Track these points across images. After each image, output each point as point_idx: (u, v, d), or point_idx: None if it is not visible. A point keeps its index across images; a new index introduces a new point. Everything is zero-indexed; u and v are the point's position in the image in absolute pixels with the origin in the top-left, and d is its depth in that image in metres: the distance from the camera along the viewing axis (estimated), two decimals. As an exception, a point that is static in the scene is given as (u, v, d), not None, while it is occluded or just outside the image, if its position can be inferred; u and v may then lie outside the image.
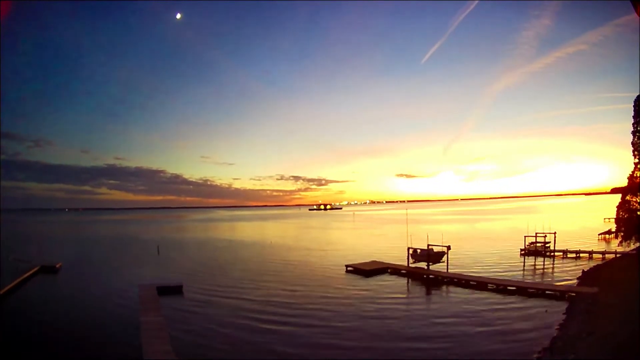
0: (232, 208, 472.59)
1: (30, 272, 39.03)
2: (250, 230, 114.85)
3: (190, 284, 33.47)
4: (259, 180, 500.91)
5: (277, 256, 51.88)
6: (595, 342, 16.39)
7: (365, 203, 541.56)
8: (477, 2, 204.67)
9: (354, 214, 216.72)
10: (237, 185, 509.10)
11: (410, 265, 38.07)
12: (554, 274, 35.65)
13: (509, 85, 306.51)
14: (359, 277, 36.44)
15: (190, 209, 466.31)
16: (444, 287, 31.66)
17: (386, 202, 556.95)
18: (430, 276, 34.72)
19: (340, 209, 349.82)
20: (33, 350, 19.19)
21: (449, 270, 35.42)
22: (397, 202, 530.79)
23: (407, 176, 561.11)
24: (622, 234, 36.53)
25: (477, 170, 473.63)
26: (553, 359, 16.18)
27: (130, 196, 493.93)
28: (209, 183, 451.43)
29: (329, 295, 29.72)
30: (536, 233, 46.53)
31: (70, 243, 78.18)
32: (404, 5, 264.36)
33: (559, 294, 27.05)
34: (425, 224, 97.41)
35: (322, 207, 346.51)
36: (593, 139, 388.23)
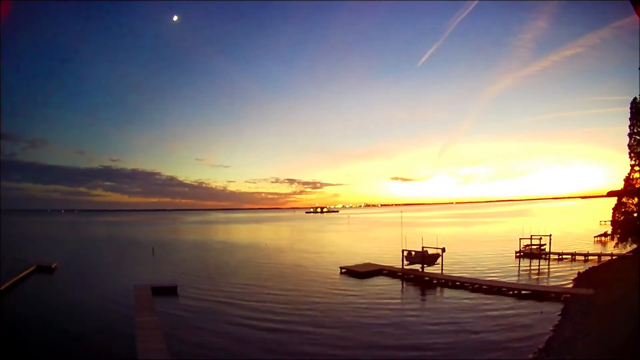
0: (227, 210, 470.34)
1: (26, 271, 38.83)
2: (245, 232, 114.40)
3: (184, 284, 33.38)
4: (254, 183, 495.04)
5: (272, 258, 51.70)
6: (591, 344, 16.43)
7: (360, 206, 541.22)
8: (473, 4, 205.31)
9: (348, 217, 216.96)
10: (232, 187, 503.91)
11: (404, 267, 38.05)
12: (550, 276, 35.73)
13: (505, 88, 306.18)
14: (353, 278, 36.41)
15: (186, 211, 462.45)
16: (438, 289, 31.68)
17: (381, 205, 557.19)
18: (425, 278, 34.71)
19: (337, 211, 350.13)
20: (28, 350, 19.01)
21: (444, 273, 35.40)
22: (392, 205, 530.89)
23: (402, 179, 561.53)
24: (618, 236, 36.79)
25: (473, 174, 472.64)
26: (549, 359, 16.18)
27: (125, 198, 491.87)
28: (204, 185, 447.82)
29: (322, 294, 29.87)
30: (531, 235, 46.08)
31: (66, 244, 77.48)
32: (400, 8, 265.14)
33: (555, 296, 27.13)
34: (420, 226, 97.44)
35: (318, 210, 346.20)
36: (589, 142, 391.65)
